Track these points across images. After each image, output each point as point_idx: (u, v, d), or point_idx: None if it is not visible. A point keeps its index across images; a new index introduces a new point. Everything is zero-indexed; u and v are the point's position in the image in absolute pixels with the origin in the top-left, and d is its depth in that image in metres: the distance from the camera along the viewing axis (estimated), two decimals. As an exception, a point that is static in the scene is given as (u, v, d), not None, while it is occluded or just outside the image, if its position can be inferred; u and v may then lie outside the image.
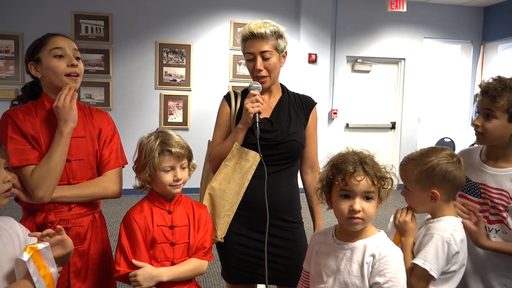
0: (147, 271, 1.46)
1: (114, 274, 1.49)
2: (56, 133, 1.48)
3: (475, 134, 1.57)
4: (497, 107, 1.47)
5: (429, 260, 1.35)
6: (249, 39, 1.75)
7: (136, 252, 1.48)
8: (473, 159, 1.64)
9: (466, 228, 1.47)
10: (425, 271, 1.35)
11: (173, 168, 1.52)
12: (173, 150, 1.51)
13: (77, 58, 1.56)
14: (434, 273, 1.34)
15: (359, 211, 1.23)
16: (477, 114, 1.57)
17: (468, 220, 1.50)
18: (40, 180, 1.43)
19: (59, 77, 1.52)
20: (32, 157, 1.47)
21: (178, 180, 1.52)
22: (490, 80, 1.52)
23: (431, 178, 1.42)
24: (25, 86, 1.64)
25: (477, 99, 1.57)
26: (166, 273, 1.49)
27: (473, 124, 1.57)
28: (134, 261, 1.47)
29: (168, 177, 1.51)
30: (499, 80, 1.50)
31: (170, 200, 1.57)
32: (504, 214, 1.52)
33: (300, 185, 1.87)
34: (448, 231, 1.39)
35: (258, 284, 1.85)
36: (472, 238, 1.52)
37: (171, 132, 1.57)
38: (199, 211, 1.61)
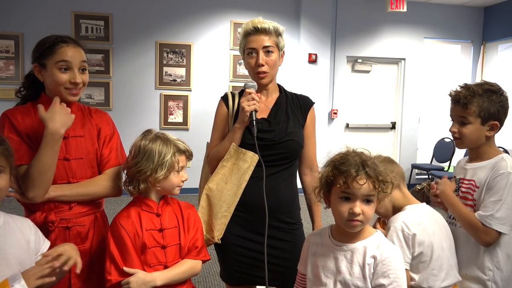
0: (140, 277, 1.42)
1: (106, 283, 1.44)
2: (48, 134, 1.44)
3: (453, 140, 1.68)
4: (469, 113, 1.57)
5: None
6: (252, 34, 1.75)
7: (127, 259, 1.44)
8: (461, 162, 1.77)
9: (435, 191, 1.65)
10: None
11: (181, 169, 1.54)
12: (189, 149, 1.55)
13: (83, 70, 1.56)
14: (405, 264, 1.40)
15: (359, 214, 1.23)
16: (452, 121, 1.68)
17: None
18: (30, 181, 1.42)
19: (58, 88, 1.52)
20: (26, 157, 1.46)
21: (184, 181, 1.55)
22: (459, 89, 1.63)
23: None
24: (28, 74, 1.63)
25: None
26: (159, 277, 1.45)
27: (450, 131, 1.67)
28: (125, 268, 1.42)
29: (178, 178, 1.52)
30: (467, 87, 1.60)
31: (157, 202, 1.54)
32: (471, 203, 1.60)
33: (299, 185, 1.87)
34: (400, 219, 1.48)
35: (257, 286, 1.85)
36: (439, 192, 1.65)
37: (167, 133, 1.58)
38: (187, 211, 1.59)
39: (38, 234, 1.39)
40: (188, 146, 1.57)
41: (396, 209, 1.56)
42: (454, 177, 1.74)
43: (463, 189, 1.65)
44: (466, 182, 1.65)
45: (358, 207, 1.23)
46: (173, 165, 1.49)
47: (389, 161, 1.59)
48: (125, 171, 1.56)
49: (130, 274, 1.43)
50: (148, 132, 1.56)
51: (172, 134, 1.58)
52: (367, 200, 1.25)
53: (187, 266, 1.53)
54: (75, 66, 1.52)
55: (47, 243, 1.41)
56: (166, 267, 1.50)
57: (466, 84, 1.63)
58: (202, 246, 1.59)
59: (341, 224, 1.30)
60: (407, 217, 1.49)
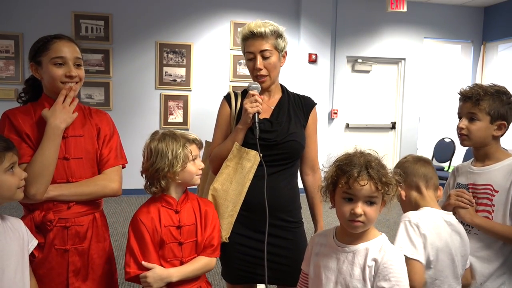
0: (157, 273, 1.48)
1: (125, 275, 1.52)
2: (49, 130, 1.48)
3: (459, 136, 1.67)
4: (480, 109, 1.59)
5: (404, 246, 1.37)
6: (249, 38, 1.75)
7: (145, 253, 1.50)
8: (464, 166, 1.75)
9: (457, 209, 1.61)
10: (407, 259, 1.33)
11: (196, 157, 1.59)
12: (198, 138, 1.60)
13: (78, 65, 1.58)
14: (417, 256, 1.36)
15: (361, 215, 1.23)
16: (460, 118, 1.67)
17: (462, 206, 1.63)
18: (32, 177, 1.43)
19: (55, 83, 1.54)
20: (26, 155, 1.48)
21: (201, 169, 1.60)
22: (470, 87, 1.65)
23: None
24: (28, 79, 1.65)
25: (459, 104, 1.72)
26: (175, 273, 1.51)
27: (458, 127, 1.66)
28: (143, 262, 1.49)
29: (195, 167, 1.58)
30: (479, 86, 1.63)
31: (177, 199, 1.58)
32: (489, 209, 1.59)
33: (300, 185, 1.87)
34: (416, 215, 1.44)
35: (258, 284, 1.85)
36: (463, 216, 1.61)
37: (173, 129, 1.62)
38: (205, 209, 1.62)
39: (28, 232, 1.43)
40: (197, 136, 1.62)
41: (415, 209, 1.54)
42: (459, 183, 1.72)
43: (479, 195, 1.62)
44: (480, 187, 1.63)
45: (360, 208, 1.22)
46: (187, 156, 1.54)
47: (418, 161, 1.57)
48: (143, 175, 1.59)
49: (148, 268, 1.48)
50: (155, 133, 1.60)
51: (177, 130, 1.62)
52: (370, 202, 1.24)
53: (202, 263, 1.57)
54: (70, 60, 1.55)
55: (35, 241, 1.44)
56: (182, 262, 1.54)
57: (477, 84, 1.65)
58: (218, 244, 1.62)
59: (343, 224, 1.29)
60: (425, 217, 1.46)
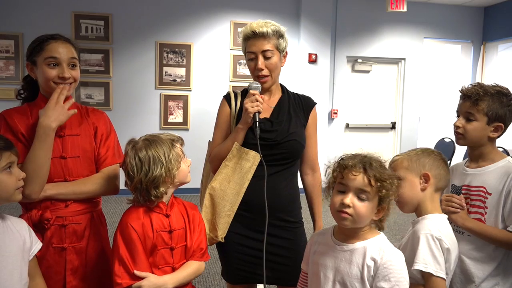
0: (152, 281, 1.41)
1: (115, 286, 1.42)
2: (39, 128, 1.46)
3: (455, 135, 1.66)
4: (478, 110, 1.58)
5: (428, 262, 1.32)
6: (251, 38, 1.75)
7: (137, 261, 1.42)
8: (458, 167, 1.73)
9: (449, 214, 1.56)
10: (430, 276, 1.31)
11: (184, 155, 1.55)
12: (177, 136, 1.55)
13: (73, 66, 1.57)
14: (441, 274, 1.32)
15: (348, 205, 1.23)
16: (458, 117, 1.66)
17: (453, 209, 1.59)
18: (27, 177, 1.42)
19: (48, 84, 1.54)
20: (21, 156, 1.47)
21: (189, 165, 1.56)
22: (471, 86, 1.62)
23: (421, 161, 1.47)
24: (26, 76, 1.65)
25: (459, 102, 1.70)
26: (170, 280, 1.45)
27: (454, 125, 1.65)
28: (136, 272, 1.41)
29: (186, 164, 1.54)
30: (480, 86, 1.60)
31: (166, 203, 1.53)
32: (482, 211, 1.58)
33: (300, 185, 1.87)
34: (435, 227, 1.39)
35: (258, 284, 1.85)
36: (455, 220, 1.59)
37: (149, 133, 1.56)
38: (192, 212, 1.59)
39: (31, 234, 1.41)
40: (174, 135, 1.57)
41: (421, 209, 1.46)
42: (453, 185, 1.70)
43: (473, 197, 1.61)
44: (473, 189, 1.61)
45: (349, 198, 1.23)
46: (179, 154, 1.51)
47: (447, 164, 1.52)
48: (135, 191, 1.49)
49: (141, 277, 1.41)
50: (134, 142, 1.50)
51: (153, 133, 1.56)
52: (361, 196, 1.24)
53: (193, 268, 1.53)
54: (64, 61, 1.54)
55: (39, 244, 1.43)
56: (173, 268, 1.50)
57: (479, 83, 1.63)
58: (206, 247, 1.59)
59: (333, 216, 1.29)
60: (443, 228, 1.40)
